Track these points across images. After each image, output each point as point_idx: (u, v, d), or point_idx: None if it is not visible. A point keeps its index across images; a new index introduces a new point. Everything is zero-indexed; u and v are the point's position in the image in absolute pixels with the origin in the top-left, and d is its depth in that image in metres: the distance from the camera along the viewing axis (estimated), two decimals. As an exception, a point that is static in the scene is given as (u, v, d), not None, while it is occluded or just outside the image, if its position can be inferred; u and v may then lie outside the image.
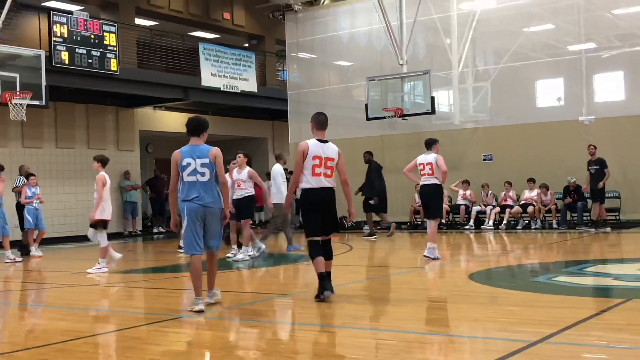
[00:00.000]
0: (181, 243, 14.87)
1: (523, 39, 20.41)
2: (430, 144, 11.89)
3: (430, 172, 11.65)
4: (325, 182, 8.01)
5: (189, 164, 7.46)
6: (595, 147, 17.09)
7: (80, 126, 21.25)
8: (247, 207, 13.05)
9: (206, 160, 7.48)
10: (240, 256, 12.84)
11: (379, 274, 11.35)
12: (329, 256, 8.05)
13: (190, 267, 7.62)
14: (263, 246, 13.30)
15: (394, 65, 19.70)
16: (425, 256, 11.62)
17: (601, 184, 16.78)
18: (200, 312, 7.27)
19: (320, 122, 8.31)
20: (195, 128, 7.73)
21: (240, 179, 13.01)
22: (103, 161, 11.97)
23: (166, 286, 10.52)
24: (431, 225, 11.82)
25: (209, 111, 25.00)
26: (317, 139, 8.14)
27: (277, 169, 14.63)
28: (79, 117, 21.26)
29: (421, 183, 11.82)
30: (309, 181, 7.97)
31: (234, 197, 12.72)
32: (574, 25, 19.53)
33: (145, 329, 6.97)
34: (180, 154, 7.54)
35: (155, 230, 23.18)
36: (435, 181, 11.62)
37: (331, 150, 8.14)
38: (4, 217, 14.60)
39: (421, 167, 11.77)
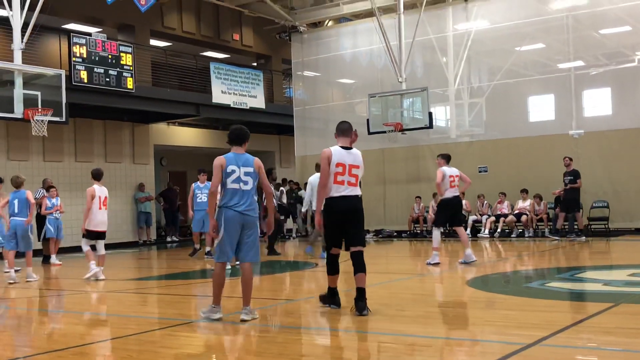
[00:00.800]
0: (208, 248, 14.98)
1: (515, 58, 20.45)
2: (450, 158, 12.33)
3: (458, 183, 12.13)
4: (348, 191, 7.44)
5: (233, 171, 7.13)
6: (571, 159, 17.08)
7: (98, 141, 21.30)
8: None
9: (250, 170, 7.19)
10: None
11: (382, 279, 11.31)
12: (360, 268, 7.35)
13: (214, 273, 7.29)
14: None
15: (393, 82, 19.75)
16: (464, 262, 11.83)
17: (557, 192, 16.91)
18: (219, 320, 7.06)
19: (341, 129, 7.68)
20: (239, 137, 7.39)
21: None
22: (94, 175, 11.91)
23: (179, 292, 10.49)
24: (462, 232, 12.44)
25: (219, 126, 25.07)
26: (340, 146, 7.56)
27: (316, 179, 14.20)
28: (97, 132, 21.32)
29: (453, 194, 12.06)
30: (331, 189, 7.42)
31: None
32: (563, 44, 19.57)
33: (159, 333, 6.94)
34: (226, 160, 7.16)
35: (168, 239, 23.17)
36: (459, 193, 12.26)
37: (357, 157, 7.58)
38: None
39: (452, 179, 12.03)
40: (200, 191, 15.26)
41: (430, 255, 12.23)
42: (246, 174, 7.15)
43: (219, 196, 7.25)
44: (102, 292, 10.53)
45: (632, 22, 19.07)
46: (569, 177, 16.86)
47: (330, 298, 7.58)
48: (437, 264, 11.90)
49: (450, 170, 12.10)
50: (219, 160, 7.15)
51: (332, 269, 7.55)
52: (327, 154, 7.42)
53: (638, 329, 6.19)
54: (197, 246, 15.79)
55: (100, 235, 11.84)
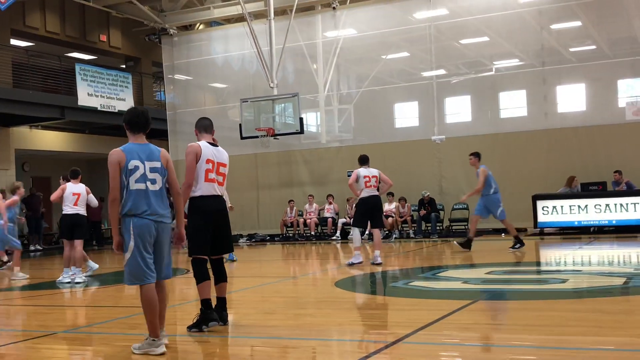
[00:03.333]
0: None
1: (382, 66, 21.11)
2: (367, 160, 12.46)
3: (375, 184, 12.18)
4: (218, 190, 6.70)
5: (136, 168, 5.62)
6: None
7: (-47, 145, 20.01)
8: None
9: (157, 164, 5.74)
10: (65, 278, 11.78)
11: (253, 283, 11.31)
12: (223, 277, 6.80)
13: (142, 300, 5.67)
14: (96, 266, 12.82)
15: (265, 87, 19.83)
16: (375, 263, 11.97)
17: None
18: (162, 354, 5.64)
19: (203, 126, 6.94)
20: (139, 122, 5.84)
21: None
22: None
23: (43, 303, 10.02)
24: (377, 233, 12.49)
25: (86, 130, 24.17)
26: (208, 142, 6.83)
27: None
28: (-48, 136, 20.00)
29: (368, 194, 12.12)
30: (200, 188, 6.59)
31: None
32: (426, 53, 20.36)
33: (22, 346, 6.60)
34: (125, 154, 5.62)
35: (32, 247, 22.05)
36: (378, 193, 12.27)
37: (224, 155, 6.91)
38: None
39: (367, 179, 12.10)
40: None
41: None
42: (152, 169, 5.71)
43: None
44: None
45: (490, 33, 20.18)
46: None
47: (206, 315, 6.54)
48: (359, 263, 12.11)
49: (366, 171, 12.27)
50: (115, 155, 5.62)
51: (204, 274, 6.63)
52: (195, 148, 6.60)
53: (494, 324, 6.54)
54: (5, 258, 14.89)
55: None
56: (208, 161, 6.61)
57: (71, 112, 21.26)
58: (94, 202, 12.33)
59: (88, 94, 21.31)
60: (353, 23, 21.24)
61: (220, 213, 6.70)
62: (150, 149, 5.80)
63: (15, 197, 13.81)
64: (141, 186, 5.64)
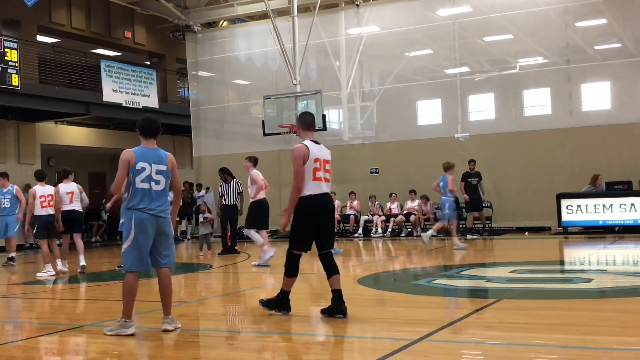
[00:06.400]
0: (13, 254, 14.64)
1: (405, 63, 21.03)
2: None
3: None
4: (325, 188, 6.85)
5: (143, 169, 6.28)
6: (475, 162, 17.81)
7: (-21, 140, 20.29)
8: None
9: (163, 167, 6.39)
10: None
11: (275, 280, 11.32)
12: (335, 270, 6.92)
13: (124, 283, 6.32)
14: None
15: (288, 84, 19.85)
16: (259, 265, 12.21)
17: (484, 195, 17.74)
18: (132, 335, 6.22)
19: (307, 122, 6.98)
20: (150, 128, 6.49)
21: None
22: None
23: (68, 297, 10.12)
24: (264, 234, 12.89)
25: (110, 126, 24.36)
26: (312, 140, 6.87)
27: None
28: (-20, 131, 20.28)
29: (264, 196, 12.89)
30: (307, 187, 6.72)
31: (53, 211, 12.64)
32: (450, 50, 20.25)
33: (49, 339, 6.67)
34: (135, 155, 6.30)
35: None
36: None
37: (327, 152, 6.95)
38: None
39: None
40: (3, 196, 14.53)
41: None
42: (158, 172, 6.36)
43: (125, 195, 6.38)
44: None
45: (514, 31, 20.01)
46: (475, 179, 17.62)
47: (282, 303, 6.98)
48: (267, 261, 12.18)
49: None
50: (126, 155, 6.31)
51: (294, 270, 6.92)
52: (302, 151, 6.68)
53: (518, 323, 6.49)
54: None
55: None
56: (316, 160, 6.71)
57: (96, 108, 21.44)
58: (86, 200, 13.15)
59: (113, 90, 21.48)
60: (376, 20, 21.18)
61: (326, 210, 6.86)
62: (159, 154, 6.44)
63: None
64: (145, 186, 6.29)
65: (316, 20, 19.91)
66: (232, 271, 12.73)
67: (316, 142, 6.85)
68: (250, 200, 12.93)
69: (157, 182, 6.34)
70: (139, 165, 6.28)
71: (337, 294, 6.81)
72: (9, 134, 21.09)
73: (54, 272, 12.28)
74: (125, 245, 6.31)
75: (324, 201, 6.81)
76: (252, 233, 12.65)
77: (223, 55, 23.58)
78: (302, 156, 6.63)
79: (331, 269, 6.89)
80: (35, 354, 6.12)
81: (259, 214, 12.77)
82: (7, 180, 13.06)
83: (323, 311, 6.84)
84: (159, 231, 6.35)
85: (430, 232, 14.99)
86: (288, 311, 6.94)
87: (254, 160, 12.92)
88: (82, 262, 12.52)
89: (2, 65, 18.20)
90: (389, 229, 19.47)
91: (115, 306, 6.85)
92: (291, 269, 6.89)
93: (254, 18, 23.56)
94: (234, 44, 23.68)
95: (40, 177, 12.77)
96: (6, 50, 18.41)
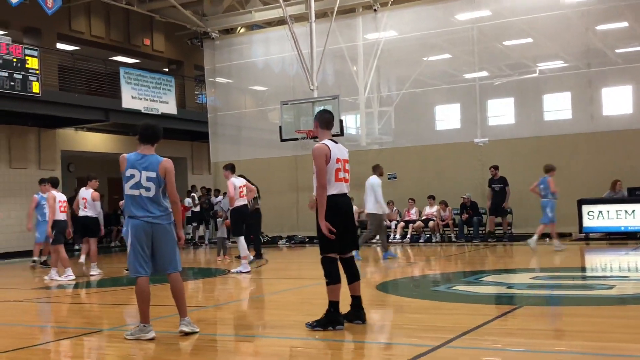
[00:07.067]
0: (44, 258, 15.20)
1: (423, 68, 20.96)
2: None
3: (246, 193, 12.90)
4: (346, 188, 6.69)
5: (132, 176, 6.32)
6: (497, 168, 17.72)
7: (2, 146, 20.53)
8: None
9: (153, 174, 6.32)
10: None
11: (293, 285, 11.32)
12: (356, 276, 6.75)
13: (136, 289, 6.46)
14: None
15: (305, 90, 19.87)
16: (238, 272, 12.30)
17: (506, 203, 17.60)
18: (152, 339, 6.31)
19: (326, 121, 6.81)
20: (147, 135, 6.46)
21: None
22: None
23: (92, 301, 10.16)
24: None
25: (130, 132, 24.50)
26: (330, 140, 6.70)
27: (374, 181, 14.01)
28: (1, 137, 20.50)
29: (242, 203, 12.70)
30: (332, 187, 6.53)
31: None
32: (469, 55, 20.15)
33: (69, 342, 6.71)
34: (126, 162, 6.37)
35: (76, 247, 22.43)
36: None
37: (346, 151, 6.84)
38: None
39: (241, 189, 12.70)
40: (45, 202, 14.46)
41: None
42: (148, 179, 6.32)
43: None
44: (11, 302, 10.08)
45: (534, 34, 19.89)
46: (498, 185, 17.61)
47: (334, 318, 6.50)
48: (248, 272, 12.31)
49: (238, 181, 12.72)
50: (120, 160, 6.43)
51: (336, 276, 6.55)
52: (324, 150, 6.51)
53: (540, 330, 6.43)
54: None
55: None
56: (337, 160, 6.57)
57: (115, 115, 21.61)
58: (98, 208, 13.75)
59: (132, 96, 21.63)
60: (394, 25, 21.16)
61: (349, 211, 6.69)
62: (150, 160, 6.37)
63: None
64: (135, 192, 6.34)
65: (333, 25, 19.92)
66: (250, 276, 12.73)
67: (335, 142, 6.70)
68: (229, 208, 12.96)
69: (148, 189, 6.31)
70: (128, 172, 6.34)
71: (356, 300, 6.72)
72: (30, 140, 21.32)
73: (74, 277, 12.50)
74: (127, 251, 6.47)
75: (347, 202, 6.68)
76: (240, 241, 12.66)
77: (240, 62, 23.68)
78: (324, 155, 6.48)
79: (353, 275, 6.75)
80: (55, 358, 6.15)
81: (235, 221, 12.78)
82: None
83: (313, 325, 6.58)
84: (156, 237, 6.37)
85: (535, 237, 14.59)
86: (343, 325, 6.50)
87: (230, 168, 12.87)
88: (93, 271, 13.04)
89: (23, 72, 18.40)
90: (408, 235, 19.40)
91: (135, 310, 6.87)
92: (332, 275, 6.56)
93: (271, 24, 23.64)
94: (252, 50, 23.77)
95: (54, 183, 13.08)
96: (27, 58, 18.60)
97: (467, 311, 7.57)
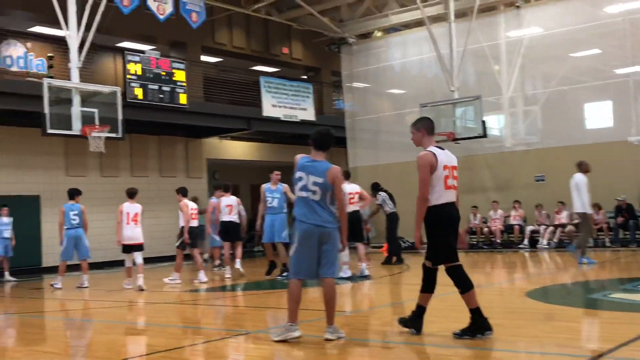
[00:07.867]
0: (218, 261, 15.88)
1: (570, 64, 20.10)
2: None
3: (357, 200, 13.12)
4: (454, 197, 6.58)
5: (300, 178, 6.59)
6: None
7: (152, 156, 21.81)
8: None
9: (320, 180, 6.50)
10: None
11: (436, 292, 11.17)
12: (470, 284, 6.53)
13: (288, 290, 6.68)
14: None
15: (445, 91, 19.64)
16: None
17: None
18: (298, 338, 6.50)
19: (431, 127, 6.71)
20: (319, 141, 6.74)
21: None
22: (127, 193, 13.43)
23: (237, 304, 10.53)
24: (361, 246, 13.35)
25: (270, 140, 25.26)
26: (436, 146, 6.60)
27: (580, 179, 13.61)
28: (152, 147, 21.80)
29: (351, 209, 12.48)
30: (442, 196, 6.43)
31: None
32: (620, 49, 19.11)
33: (219, 344, 6.99)
34: (297, 164, 6.67)
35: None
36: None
37: (454, 158, 6.66)
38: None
39: (351, 196, 12.74)
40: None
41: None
42: (315, 183, 6.52)
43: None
44: (160, 304, 10.66)
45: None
46: None
47: (414, 320, 6.69)
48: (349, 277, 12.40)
49: (349, 187, 12.73)
50: (294, 160, 6.74)
51: (432, 286, 6.64)
52: (429, 159, 6.40)
53: None
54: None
55: (132, 248, 13.08)
56: (445, 167, 6.45)
57: (256, 123, 22.32)
58: (243, 212, 14.79)
59: (272, 105, 22.28)
60: (538, 21, 20.46)
61: (457, 220, 6.60)
62: (317, 166, 6.59)
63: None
64: (303, 194, 6.55)
65: (474, 24, 19.56)
66: (390, 282, 12.71)
67: (441, 148, 6.57)
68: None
69: (314, 193, 6.51)
70: (297, 174, 6.61)
71: (476, 312, 6.42)
72: (178, 150, 22.50)
73: (179, 281, 13.35)
74: (290, 253, 6.68)
75: (455, 210, 6.56)
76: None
77: (378, 66, 23.76)
78: (429, 164, 6.35)
79: (465, 284, 6.50)
80: (206, 358, 6.44)
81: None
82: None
83: (463, 332, 6.39)
84: (322, 242, 6.50)
85: None
86: (419, 331, 6.61)
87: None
88: (203, 278, 13.31)
89: (171, 85, 19.45)
90: (556, 239, 18.64)
91: (282, 314, 7.06)
92: (428, 284, 6.60)
93: (408, 26, 23.55)
94: (389, 53, 23.79)
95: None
96: (174, 71, 19.65)
97: (626, 320, 7.17)
